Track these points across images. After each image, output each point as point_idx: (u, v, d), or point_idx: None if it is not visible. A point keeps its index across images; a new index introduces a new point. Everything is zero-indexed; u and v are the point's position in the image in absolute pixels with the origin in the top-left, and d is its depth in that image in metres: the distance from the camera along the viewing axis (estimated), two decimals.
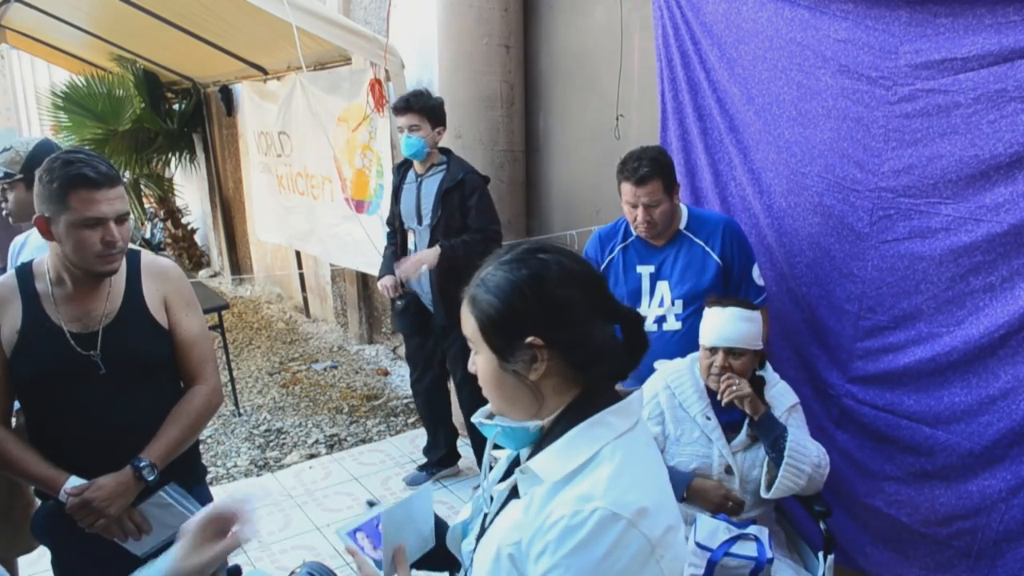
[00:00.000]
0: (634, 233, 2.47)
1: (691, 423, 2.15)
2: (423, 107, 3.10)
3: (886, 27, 2.17)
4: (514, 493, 1.08)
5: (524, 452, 1.10)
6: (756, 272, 2.46)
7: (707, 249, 2.42)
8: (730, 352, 2.07)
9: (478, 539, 1.13)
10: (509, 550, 1.01)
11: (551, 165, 3.77)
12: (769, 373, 2.21)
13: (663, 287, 2.46)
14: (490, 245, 3.08)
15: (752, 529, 2.05)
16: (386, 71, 4.03)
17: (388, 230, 3.49)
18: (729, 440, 2.11)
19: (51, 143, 2.46)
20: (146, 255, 1.86)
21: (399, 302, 3.33)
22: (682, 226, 2.46)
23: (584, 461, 0.98)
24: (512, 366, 1.02)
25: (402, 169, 3.35)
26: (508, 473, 1.16)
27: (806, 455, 2.03)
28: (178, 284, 1.86)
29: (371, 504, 1.28)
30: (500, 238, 3.21)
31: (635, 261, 2.49)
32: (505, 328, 1.01)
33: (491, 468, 1.22)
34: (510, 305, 1.01)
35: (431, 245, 3.17)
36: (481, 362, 1.06)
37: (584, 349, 1.02)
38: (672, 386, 2.19)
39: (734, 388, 2.05)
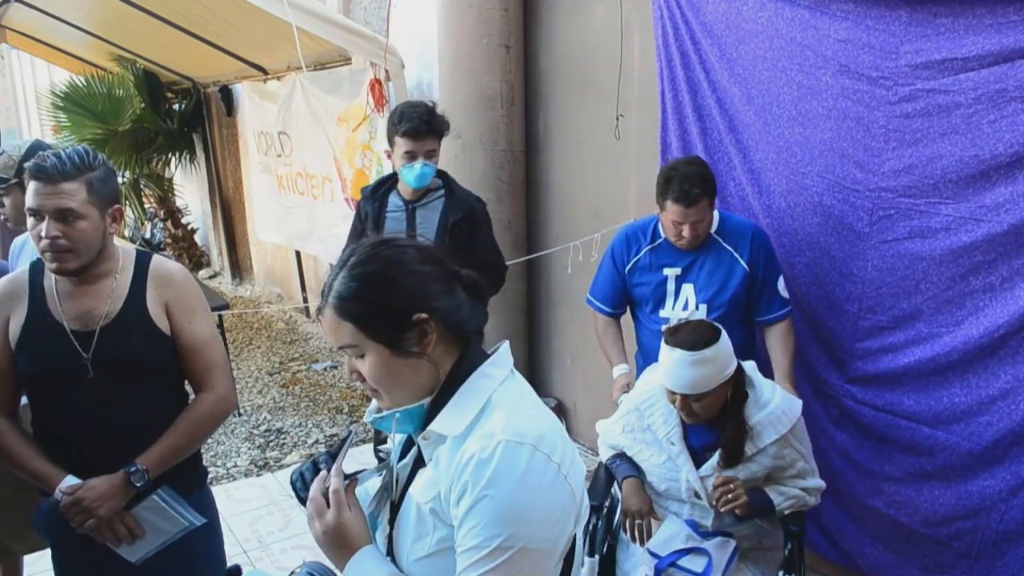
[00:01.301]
0: (672, 241, 2.40)
1: (658, 446, 2.05)
2: (442, 129, 2.73)
3: (886, 27, 2.17)
4: (419, 464, 1.15)
5: (415, 433, 1.15)
6: (781, 284, 2.43)
7: (735, 255, 2.39)
8: (689, 395, 1.90)
9: (391, 522, 1.17)
10: (429, 505, 1.08)
11: (551, 165, 3.77)
12: (762, 391, 2.00)
13: (688, 289, 2.43)
14: (498, 283, 2.86)
15: (711, 543, 1.97)
16: (386, 71, 4.03)
17: None
18: (702, 462, 2.00)
19: (43, 144, 2.44)
20: (156, 259, 1.85)
21: None
22: (712, 230, 2.41)
23: (479, 410, 1.07)
24: (407, 348, 1.07)
25: (379, 194, 2.86)
26: (403, 454, 1.22)
27: (795, 503, 1.98)
28: (182, 291, 1.82)
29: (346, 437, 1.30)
30: (505, 273, 2.95)
31: (662, 262, 2.45)
32: (388, 317, 1.06)
33: (381, 463, 1.27)
34: (384, 295, 1.06)
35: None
36: (369, 362, 1.08)
37: (458, 311, 1.11)
38: (642, 407, 2.08)
39: (729, 497, 1.91)
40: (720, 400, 1.93)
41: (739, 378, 1.97)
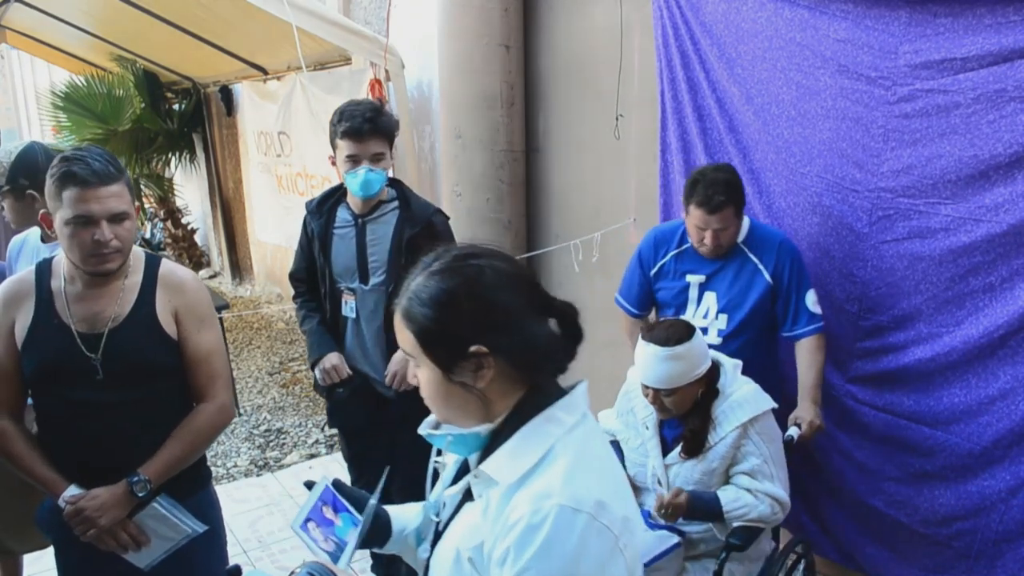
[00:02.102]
0: (695, 247, 2.39)
1: (636, 430, 2.12)
2: (390, 129, 2.37)
3: (886, 27, 2.17)
4: (467, 496, 1.07)
5: (473, 456, 1.07)
6: (811, 298, 2.34)
7: (759, 266, 2.35)
8: (660, 390, 1.97)
9: (432, 545, 1.11)
10: (469, 553, 1.01)
11: (551, 165, 3.77)
12: (730, 383, 2.05)
13: (710, 298, 2.40)
14: None
15: (652, 534, 1.99)
16: (386, 71, 4.03)
17: (299, 289, 2.60)
18: (670, 452, 2.05)
19: (35, 147, 2.36)
20: (166, 264, 1.84)
21: (340, 390, 2.48)
22: (740, 239, 2.37)
23: (538, 459, 0.97)
24: (458, 377, 0.99)
25: (325, 207, 2.48)
26: (457, 477, 1.14)
27: (747, 512, 1.95)
28: (193, 299, 1.82)
29: (309, 485, 1.22)
30: None
31: (686, 269, 2.43)
32: (446, 339, 0.99)
33: (435, 475, 1.20)
34: (449, 315, 0.98)
35: (387, 308, 2.34)
36: (424, 375, 1.03)
37: (528, 350, 1.00)
38: (630, 392, 2.14)
39: (665, 512, 1.93)
40: (691, 397, 1.99)
41: (712, 377, 2.02)
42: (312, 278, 2.55)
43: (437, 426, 1.09)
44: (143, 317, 1.75)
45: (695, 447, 2.00)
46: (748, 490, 1.98)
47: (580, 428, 1.01)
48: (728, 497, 1.97)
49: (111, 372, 1.70)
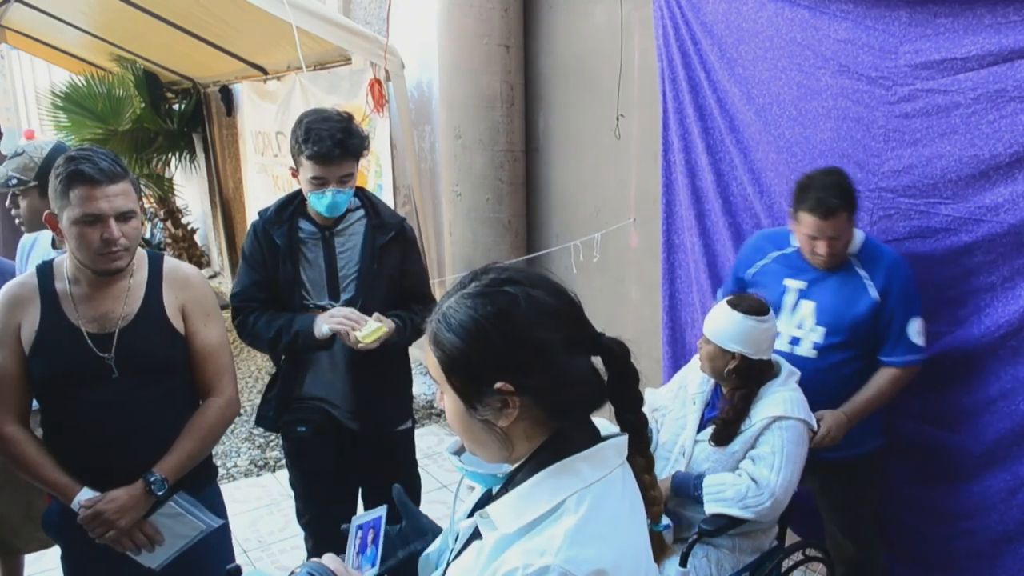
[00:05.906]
0: (807, 258, 2.24)
1: (683, 402, 2.23)
2: (361, 149, 2.17)
3: (886, 27, 2.17)
4: (477, 534, 0.99)
5: (495, 489, 1.01)
6: (915, 327, 2.15)
7: (867, 282, 2.18)
8: (707, 341, 2.11)
9: None
10: None
11: (551, 165, 3.77)
12: (780, 383, 2.09)
13: (807, 307, 2.24)
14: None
15: None
16: (386, 71, 4.03)
17: (251, 316, 2.30)
18: (702, 430, 2.16)
19: (65, 147, 2.33)
20: (169, 260, 1.86)
21: (302, 428, 2.30)
22: (852, 251, 2.21)
23: (544, 512, 0.88)
24: (480, 414, 0.92)
25: (285, 216, 2.23)
26: (477, 508, 1.07)
27: (723, 490, 2.00)
28: (199, 294, 1.84)
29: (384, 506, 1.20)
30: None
31: (787, 272, 2.29)
32: (470, 372, 0.91)
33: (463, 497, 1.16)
34: (475, 347, 0.90)
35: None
36: (447, 403, 0.96)
37: (559, 392, 0.91)
38: (689, 367, 2.27)
39: None
40: (721, 364, 2.07)
41: (762, 370, 2.09)
42: (268, 297, 2.26)
43: (461, 451, 1.03)
44: (152, 314, 1.76)
45: (724, 435, 2.08)
46: (739, 475, 2.04)
47: (604, 483, 0.91)
48: (711, 479, 2.05)
49: (126, 371, 1.70)
